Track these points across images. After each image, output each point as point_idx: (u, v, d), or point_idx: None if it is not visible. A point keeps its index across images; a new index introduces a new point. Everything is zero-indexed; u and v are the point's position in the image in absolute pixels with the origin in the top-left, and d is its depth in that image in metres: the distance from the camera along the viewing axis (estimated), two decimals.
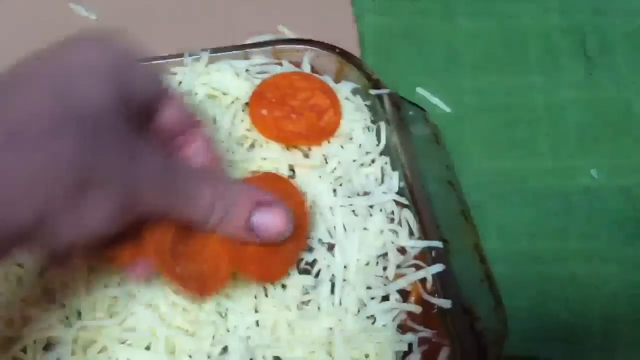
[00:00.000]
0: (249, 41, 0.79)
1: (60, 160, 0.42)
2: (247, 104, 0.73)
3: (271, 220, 0.55)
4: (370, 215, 0.67)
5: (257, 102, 0.73)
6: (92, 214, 0.45)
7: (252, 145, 0.72)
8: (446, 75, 0.88)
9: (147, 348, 0.59)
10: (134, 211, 0.48)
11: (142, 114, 0.52)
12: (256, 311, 0.62)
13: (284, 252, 0.60)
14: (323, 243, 0.65)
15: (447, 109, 0.83)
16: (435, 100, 0.84)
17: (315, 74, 0.76)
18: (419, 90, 0.81)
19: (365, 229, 0.66)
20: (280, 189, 0.62)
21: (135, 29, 0.88)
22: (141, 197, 0.48)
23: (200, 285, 0.59)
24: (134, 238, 0.55)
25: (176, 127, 0.56)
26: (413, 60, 0.89)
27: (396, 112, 0.72)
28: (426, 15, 0.93)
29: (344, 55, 0.76)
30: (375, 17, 0.92)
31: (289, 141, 0.71)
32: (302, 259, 0.64)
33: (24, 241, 0.43)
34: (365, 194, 0.68)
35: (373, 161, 0.71)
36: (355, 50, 0.85)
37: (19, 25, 0.90)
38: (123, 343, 0.59)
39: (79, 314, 0.61)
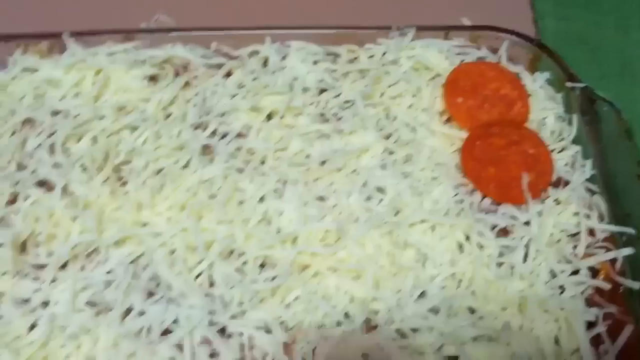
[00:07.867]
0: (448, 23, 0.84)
1: None
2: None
3: None
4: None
5: (452, 90, 0.77)
6: None
7: (449, 119, 0.77)
8: (620, 83, 0.91)
9: (355, 279, 0.65)
10: None
11: None
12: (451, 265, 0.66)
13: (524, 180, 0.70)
14: (522, 214, 0.69)
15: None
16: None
17: (509, 62, 0.80)
18: (600, 93, 0.84)
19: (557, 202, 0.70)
20: (521, 134, 0.73)
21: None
22: None
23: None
24: None
25: None
26: (588, 65, 0.93)
27: (590, 106, 0.76)
28: (601, 25, 0.97)
29: (542, 47, 0.80)
30: (554, 21, 0.96)
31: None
32: (497, 225, 0.69)
33: None
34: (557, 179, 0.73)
35: (563, 149, 0.75)
36: None
37: None
38: (334, 272, 0.65)
39: (294, 240, 0.67)
